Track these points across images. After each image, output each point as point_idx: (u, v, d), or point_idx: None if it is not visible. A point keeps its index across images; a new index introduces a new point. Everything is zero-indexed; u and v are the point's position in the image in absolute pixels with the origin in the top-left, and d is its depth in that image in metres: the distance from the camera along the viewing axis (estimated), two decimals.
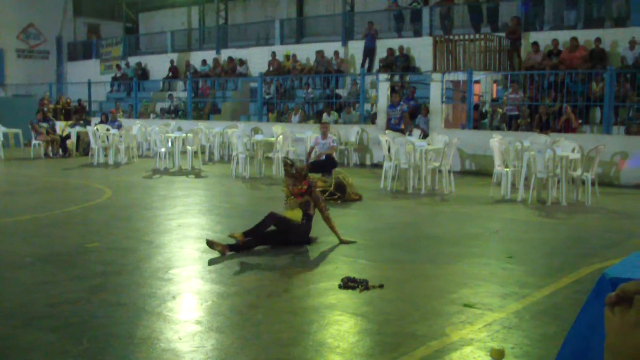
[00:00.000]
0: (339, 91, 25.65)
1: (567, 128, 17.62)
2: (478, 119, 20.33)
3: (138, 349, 5.20)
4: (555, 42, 21.40)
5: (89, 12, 41.65)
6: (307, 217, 8.98)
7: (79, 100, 30.77)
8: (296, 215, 8.94)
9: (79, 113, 27.83)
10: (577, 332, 4.10)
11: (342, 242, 9.01)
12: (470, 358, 5.05)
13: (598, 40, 20.51)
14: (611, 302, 1.32)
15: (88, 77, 33.97)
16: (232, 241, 8.56)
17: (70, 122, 25.64)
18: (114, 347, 5.25)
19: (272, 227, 8.83)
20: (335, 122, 22.84)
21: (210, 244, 8.37)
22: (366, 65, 25.87)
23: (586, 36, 21.16)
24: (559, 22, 23.29)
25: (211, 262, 8.10)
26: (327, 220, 9.13)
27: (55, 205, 12.81)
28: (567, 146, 14.23)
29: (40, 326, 5.75)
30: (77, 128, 24.19)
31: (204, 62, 31.72)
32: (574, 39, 20.87)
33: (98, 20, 42.08)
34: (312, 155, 15.67)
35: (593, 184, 13.14)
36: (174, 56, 34.18)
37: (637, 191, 15.05)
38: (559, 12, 23.43)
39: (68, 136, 24.25)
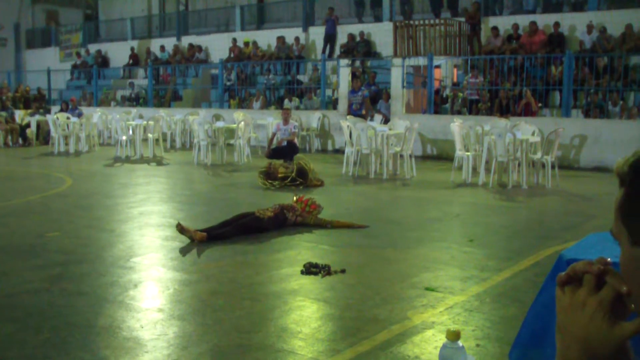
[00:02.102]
0: (300, 77, 25.57)
1: (527, 112, 17.76)
2: (439, 104, 20.40)
3: (99, 338, 5.18)
4: (514, 26, 21.51)
5: None
6: (276, 219, 9.03)
7: (39, 89, 30.36)
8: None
9: (38, 101, 27.50)
10: (535, 313, 4.16)
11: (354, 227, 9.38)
12: (432, 341, 5.10)
13: (557, 24, 20.65)
14: (561, 281, 1.33)
15: (47, 65, 33.48)
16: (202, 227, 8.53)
17: (29, 111, 25.31)
18: (75, 336, 5.21)
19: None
20: (297, 108, 22.80)
21: (181, 229, 8.29)
22: (327, 51, 25.79)
23: (545, 20, 21.30)
24: (518, 7, 23.41)
25: (173, 249, 8.07)
26: (337, 225, 9.38)
27: (15, 194, 12.67)
28: (527, 130, 14.36)
29: None
30: (37, 117, 23.88)
31: (162, 48, 31.44)
32: (533, 24, 21.00)
33: (57, 7, 41.35)
34: (274, 141, 15.63)
35: (553, 167, 13.28)
36: (134, 43, 33.81)
37: (595, 174, 15.23)
38: None
39: (28, 125, 23.94)
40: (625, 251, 1.29)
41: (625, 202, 1.28)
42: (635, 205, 1.25)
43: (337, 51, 25.94)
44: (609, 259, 1.31)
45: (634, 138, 14.78)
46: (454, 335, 1.83)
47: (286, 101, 23.29)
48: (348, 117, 17.63)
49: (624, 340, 1.25)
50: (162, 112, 23.27)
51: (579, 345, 1.28)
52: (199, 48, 30.40)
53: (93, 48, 35.55)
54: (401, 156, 14.82)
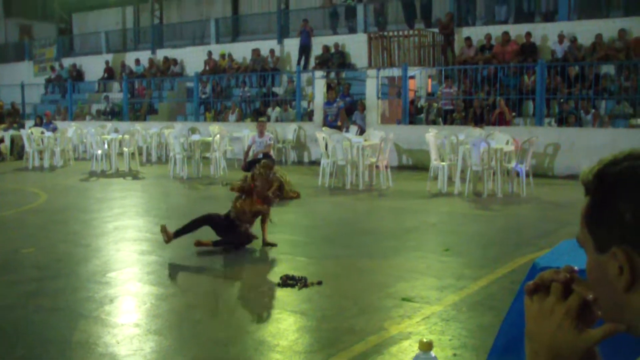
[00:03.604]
0: (276, 89, 25.62)
1: (501, 121, 17.87)
2: (414, 114, 20.50)
3: (75, 354, 5.15)
4: (487, 36, 21.69)
5: (20, 13, 40.71)
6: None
7: (12, 103, 30.07)
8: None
9: (12, 116, 27.22)
10: (510, 321, 4.17)
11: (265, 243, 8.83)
12: (409, 351, 5.10)
13: (529, 34, 20.86)
14: (530, 290, 1.35)
15: (21, 79, 33.27)
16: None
17: (3, 126, 25.09)
18: (50, 352, 5.18)
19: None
20: (277, 118, 22.89)
21: (164, 229, 8.40)
22: (302, 63, 25.88)
23: (517, 31, 21.50)
24: (491, 17, 23.63)
25: (149, 264, 8.04)
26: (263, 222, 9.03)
27: None
28: (501, 139, 14.44)
29: None
30: (11, 131, 23.72)
31: (137, 61, 31.37)
32: (506, 34, 21.19)
33: (30, 21, 41.13)
34: (250, 153, 15.61)
35: (527, 175, 13.37)
36: (109, 57, 33.69)
37: (569, 181, 15.32)
38: (491, 7, 23.77)
39: (1, 140, 23.75)
40: (590, 258, 1.31)
41: (590, 210, 1.30)
42: (600, 213, 1.27)
43: (312, 63, 26.02)
44: (575, 267, 1.33)
45: (606, 145, 14.87)
46: (426, 346, 1.84)
47: (269, 110, 23.39)
48: (324, 128, 17.65)
49: (591, 346, 1.27)
50: (137, 125, 23.12)
51: (548, 352, 1.30)
52: (174, 61, 30.35)
53: (67, 62, 35.37)
54: (377, 167, 14.85)
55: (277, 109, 23.55)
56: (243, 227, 8.74)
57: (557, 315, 1.29)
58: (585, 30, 19.96)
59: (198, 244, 8.46)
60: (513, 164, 13.51)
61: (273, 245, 8.75)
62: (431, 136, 14.34)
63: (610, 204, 1.25)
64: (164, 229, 8.40)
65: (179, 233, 8.42)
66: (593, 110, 17.75)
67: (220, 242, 8.53)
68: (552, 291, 1.32)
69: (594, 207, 1.29)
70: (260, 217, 8.90)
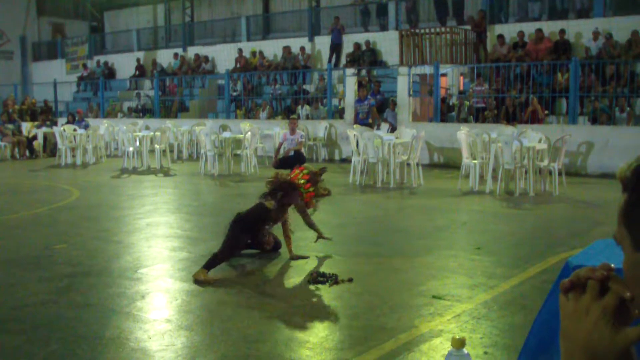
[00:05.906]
0: (307, 87, 25.63)
1: (534, 119, 17.74)
2: (445, 112, 20.40)
3: (107, 350, 5.18)
4: (520, 34, 21.51)
5: (52, 12, 41.06)
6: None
7: (45, 101, 30.38)
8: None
9: (45, 114, 27.48)
10: (542, 320, 4.14)
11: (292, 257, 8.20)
12: (440, 349, 5.08)
13: (562, 31, 20.63)
14: (565, 288, 1.33)
15: (54, 77, 33.59)
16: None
17: (36, 123, 25.36)
18: (82, 348, 5.21)
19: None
20: (307, 116, 22.91)
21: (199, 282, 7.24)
22: (333, 60, 25.84)
23: (551, 28, 21.29)
24: (524, 14, 23.41)
25: (180, 260, 8.07)
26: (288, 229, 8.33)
27: (22, 207, 12.68)
28: (533, 137, 14.33)
29: (5, 329, 5.69)
30: (44, 129, 23.96)
31: (175, 55, 31.55)
32: (539, 31, 20.99)
33: (62, 20, 41.48)
34: (281, 151, 15.64)
35: (560, 174, 13.26)
36: (141, 54, 33.91)
37: (602, 180, 15.18)
38: (524, 4, 23.55)
39: (34, 137, 24.03)
40: (628, 256, 1.28)
41: (628, 207, 1.27)
42: (637, 211, 1.24)
43: (343, 60, 26.00)
44: (612, 265, 1.30)
45: None
46: (459, 343, 1.83)
47: (298, 108, 23.41)
48: (355, 126, 17.65)
49: (627, 346, 1.25)
50: (168, 123, 23.32)
51: (583, 352, 1.27)
52: (205, 59, 30.48)
53: (99, 60, 35.65)
54: (408, 165, 14.81)
55: (308, 106, 23.58)
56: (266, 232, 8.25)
57: (593, 314, 1.27)
58: (621, 27, 19.68)
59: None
60: (545, 162, 13.41)
61: (304, 257, 8.17)
62: (463, 134, 14.27)
63: None
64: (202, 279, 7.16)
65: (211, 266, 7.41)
66: (628, 109, 17.53)
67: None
68: (588, 289, 1.29)
69: (632, 205, 1.27)
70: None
